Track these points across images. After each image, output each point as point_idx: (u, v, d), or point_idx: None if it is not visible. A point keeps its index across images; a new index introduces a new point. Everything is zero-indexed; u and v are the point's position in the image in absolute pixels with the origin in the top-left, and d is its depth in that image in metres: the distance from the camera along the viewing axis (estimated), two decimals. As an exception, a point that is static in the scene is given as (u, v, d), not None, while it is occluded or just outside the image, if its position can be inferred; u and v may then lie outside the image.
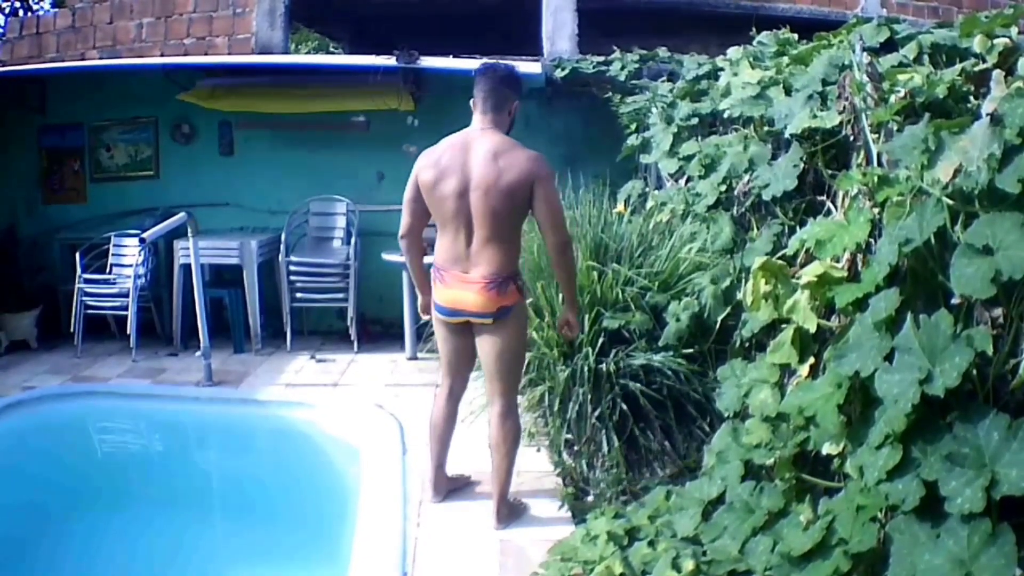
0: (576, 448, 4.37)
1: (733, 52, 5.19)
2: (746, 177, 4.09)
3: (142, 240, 6.29)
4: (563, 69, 7.21)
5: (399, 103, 7.18)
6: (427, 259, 3.93)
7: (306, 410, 5.72)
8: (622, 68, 6.97)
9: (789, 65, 4.31)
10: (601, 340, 4.30)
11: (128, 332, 7.09)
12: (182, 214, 6.27)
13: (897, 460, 2.14)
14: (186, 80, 7.51)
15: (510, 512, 3.92)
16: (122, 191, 8.07)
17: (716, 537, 2.95)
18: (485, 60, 3.91)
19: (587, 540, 3.41)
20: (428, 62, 6.71)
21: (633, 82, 6.77)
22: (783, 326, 3.12)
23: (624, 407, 4.24)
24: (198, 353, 6.32)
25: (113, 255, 7.49)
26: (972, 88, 3.10)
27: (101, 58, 8.05)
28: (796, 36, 5.12)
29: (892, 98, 3.01)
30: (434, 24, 9.81)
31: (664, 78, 6.50)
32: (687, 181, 4.89)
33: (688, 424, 4.33)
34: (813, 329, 2.95)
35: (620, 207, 5.46)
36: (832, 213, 3.34)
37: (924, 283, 2.46)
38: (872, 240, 2.78)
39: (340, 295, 7.39)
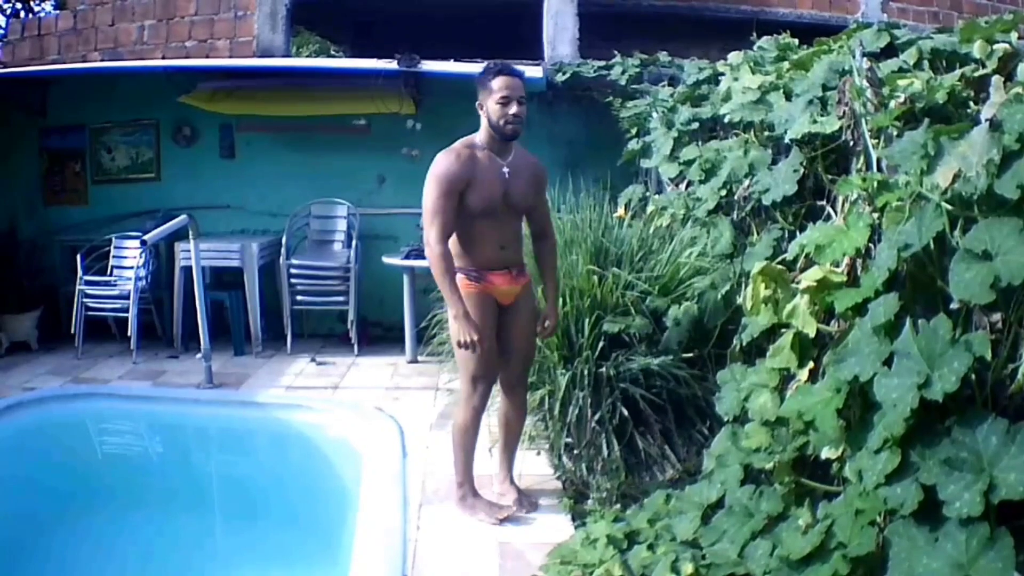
0: (576, 452, 4.37)
1: (734, 57, 5.20)
2: (746, 182, 4.10)
3: (143, 242, 6.29)
4: (564, 73, 7.23)
5: (400, 107, 7.20)
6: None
7: (306, 413, 5.72)
8: (623, 72, 6.97)
9: (789, 70, 4.32)
10: (601, 344, 4.30)
11: (129, 334, 7.09)
12: (183, 216, 6.28)
13: (896, 464, 2.15)
14: (187, 83, 7.52)
15: (463, 499, 3.96)
16: (123, 193, 8.08)
17: (715, 541, 2.96)
18: (488, 63, 3.87)
19: (587, 543, 3.41)
20: (429, 66, 6.72)
21: (634, 86, 6.78)
22: (783, 331, 3.13)
23: (624, 411, 4.24)
24: (198, 355, 6.32)
25: (114, 257, 7.50)
26: (972, 93, 3.11)
27: (102, 60, 8.07)
28: (796, 41, 5.13)
29: (892, 103, 3.03)
30: (435, 28, 9.82)
31: (665, 83, 6.52)
32: (687, 185, 4.89)
33: (688, 428, 4.33)
34: (812, 334, 2.96)
35: (620, 211, 5.47)
36: (832, 218, 3.34)
37: (923, 288, 2.47)
38: (872, 245, 2.79)
39: (340, 298, 7.39)
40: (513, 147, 3.78)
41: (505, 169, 3.71)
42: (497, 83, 3.62)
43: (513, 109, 3.61)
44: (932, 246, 2.34)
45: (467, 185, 3.62)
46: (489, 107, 3.64)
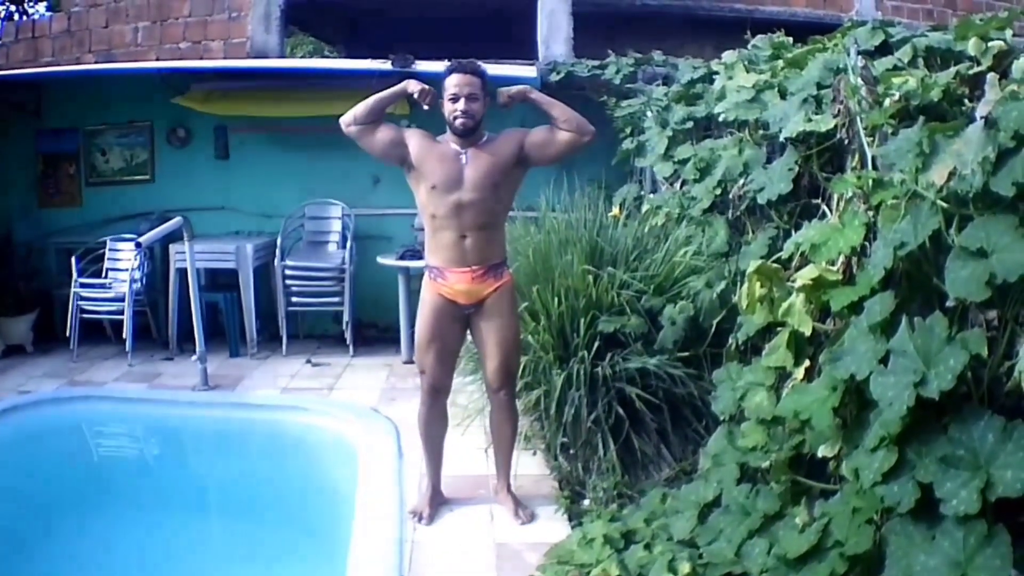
0: (572, 451, 4.37)
1: (728, 56, 5.19)
2: (741, 180, 4.09)
3: (138, 244, 6.29)
4: (558, 73, 7.23)
5: (394, 107, 7.17)
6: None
7: (302, 414, 5.72)
8: (617, 72, 6.97)
9: (784, 69, 4.31)
10: (597, 344, 4.29)
11: (124, 336, 7.08)
12: (178, 218, 6.27)
13: (892, 462, 2.15)
14: (181, 84, 7.51)
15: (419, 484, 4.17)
16: (118, 195, 8.06)
17: (712, 540, 2.96)
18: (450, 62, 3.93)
19: (583, 543, 3.41)
20: (423, 66, 6.71)
21: (628, 86, 6.77)
22: (778, 329, 3.13)
23: (620, 410, 4.24)
24: (194, 357, 6.31)
25: (109, 259, 7.48)
26: (966, 91, 3.10)
27: (97, 62, 8.05)
28: (791, 39, 5.12)
29: (887, 101, 3.02)
30: (429, 28, 9.81)
31: (659, 82, 6.51)
32: (682, 185, 4.89)
33: (684, 427, 4.33)
34: (808, 332, 2.95)
35: (615, 211, 5.46)
36: (827, 216, 3.34)
37: (919, 286, 2.47)
38: (867, 243, 2.78)
39: (335, 299, 7.38)
40: (483, 139, 3.87)
41: (463, 156, 3.81)
42: (448, 81, 3.82)
43: (461, 105, 3.76)
44: (928, 244, 2.34)
45: (417, 154, 3.83)
46: (443, 104, 3.82)
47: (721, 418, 3.33)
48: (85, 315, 7.22)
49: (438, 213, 3.80)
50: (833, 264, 2.89)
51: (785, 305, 3.00)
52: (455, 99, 3.76)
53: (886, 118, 2.92)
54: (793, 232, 3.34)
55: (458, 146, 3.82)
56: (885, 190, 2.62)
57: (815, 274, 2.84)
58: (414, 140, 3.87)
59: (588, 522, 3.65)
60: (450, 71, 3.82)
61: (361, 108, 3.85)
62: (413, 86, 3.89)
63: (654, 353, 4.29)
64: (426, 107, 3.90)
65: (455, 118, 3.77)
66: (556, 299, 4.40)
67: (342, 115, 3.90)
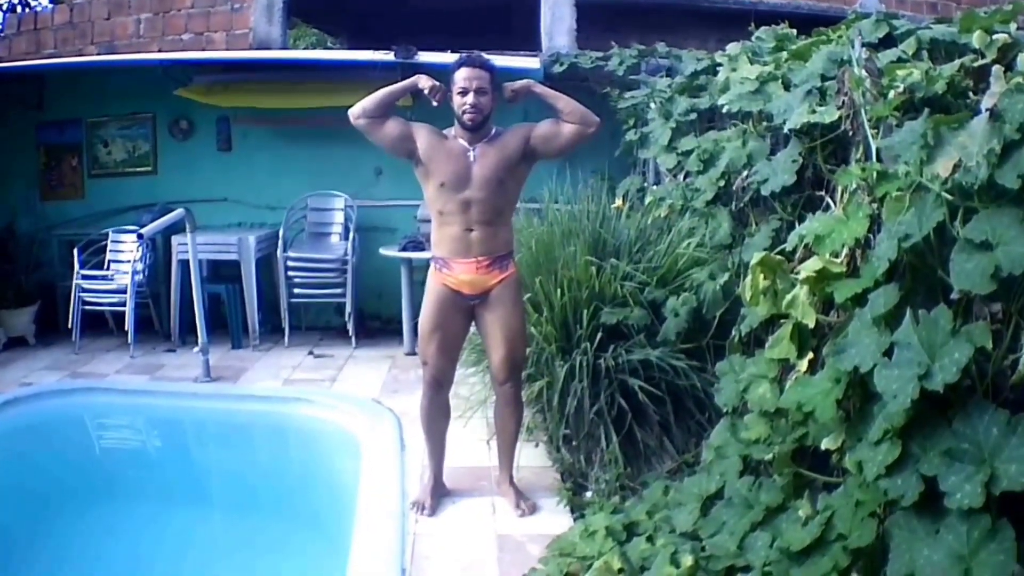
0: (574, 443, 4.37)
1: (732, 47, 5.17)
2: (745, 172, 4.08)
3: (140, 236, 6.31)
4: (561, 64, 7.22)
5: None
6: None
7: (304, 405, 5.72)
8: (620, 63, 6.97)
9: (788, 60, 4.30)
10: (599, 335, 4.29)
11: (126, 328, 7.09)
12: (180, 210, 6.27)
13: (896, 455, 2.14)
14: (184, 76, 7.51)
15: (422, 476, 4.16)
16: (120, 187, 8.06)
17: (715, 532, 2.95)
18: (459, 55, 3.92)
19: (585, 535, 3.41)
20: (426, 57, 6.71)
21: (631, 77, 6.77)
22: (782, 321, 3.12)
23: (622, 402, 4.23)
24: (196, 349, 6.32)
25: (111, 251, 7.49)
26: (971, 84, 3.09)
27: (99, 54, 8.04)
28: (795, 31, 5.11)
29: (891, 93, 3.01)
30: (432, 19, 9.80)
31: (662, 73, 6.50)
32: (685, 176, 4.88)
33: (686, 419, 4.32)
34: (812, 324, 2.94)
35: (618, 202, 5.45)
36: (831, 208, 3.33)
37: (923, 278, 2.45)
38: (871, 235, 2.77)
39: (338, 290, 7.39)
40: (490, 134, 3.87)
41: (472, 153, 3.81)
42: (457, 74, 3.80)
43: (470, 99, 3.76)
44: (932, 236, 2.32)
45: (425, 151, 3.82)
46: (452, 97, 3.81)
47: (724, 410, 3.31)
48: (87, 307, 7.23)
49: (445, 209, 3.81)
50: (837, 256, 2.87)
51: (789, 297, 2.99)
52: (464, 93, 3.76)
53: (890, 110, 2.91)
54: (797, 224, 3.34)
55: (466, 142, 3.82)
56: (889, 182, 2.61)
57: (819, 266, 2.83)
58: (423, 136, 3.85)
59: (590, 514, 3.65)
60: (459, 65, 3.81)
61: (370, 101, 3.84)
62: (423, 82, 3.88)
63: (657, 345, 4.28)
64: (435, 103, 3.89)
65: (464, 112, 3.77)
66: (559, 290, 4.40)
67: (345, 106, 3.90)
